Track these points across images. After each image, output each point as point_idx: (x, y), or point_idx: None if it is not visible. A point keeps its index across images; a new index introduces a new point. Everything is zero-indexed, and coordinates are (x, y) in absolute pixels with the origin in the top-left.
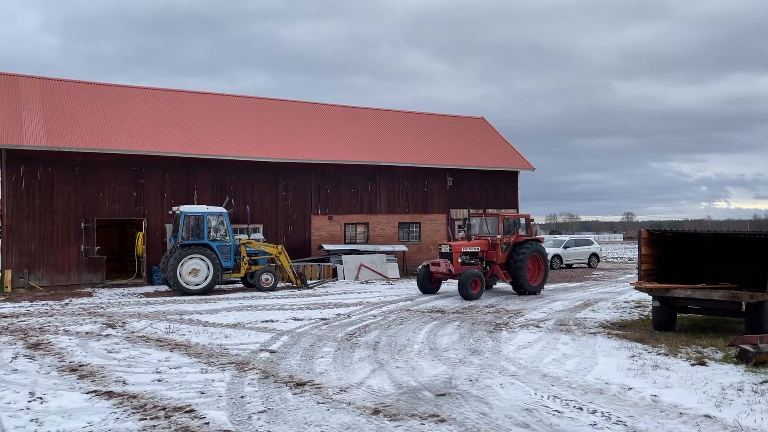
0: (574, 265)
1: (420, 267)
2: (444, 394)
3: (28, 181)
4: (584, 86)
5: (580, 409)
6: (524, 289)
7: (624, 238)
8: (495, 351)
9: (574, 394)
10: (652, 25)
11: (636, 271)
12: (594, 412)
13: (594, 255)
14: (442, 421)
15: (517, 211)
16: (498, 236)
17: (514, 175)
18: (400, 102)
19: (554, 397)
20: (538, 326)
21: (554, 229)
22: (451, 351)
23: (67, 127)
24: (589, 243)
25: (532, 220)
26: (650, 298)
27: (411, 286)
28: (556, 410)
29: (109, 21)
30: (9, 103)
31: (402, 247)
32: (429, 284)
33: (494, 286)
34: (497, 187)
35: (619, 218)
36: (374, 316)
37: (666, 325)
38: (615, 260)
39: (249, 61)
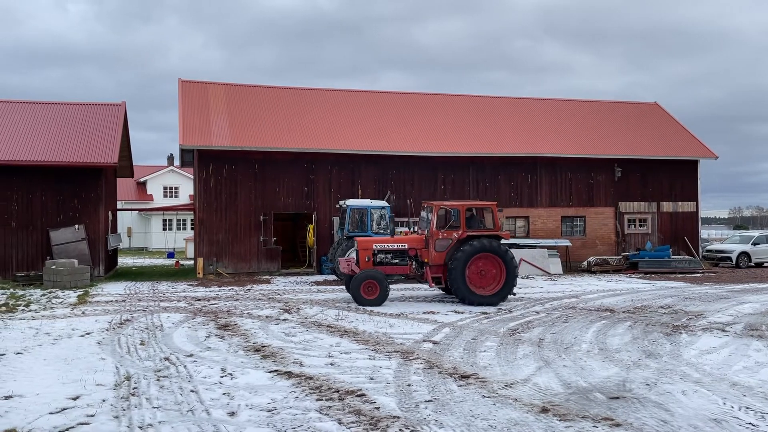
0: (765, 264)
1: None
2: (618, 397)
3: (216, 178)
4: (747, 67)
5: None
6: (464, 298)
7: None
8: (674, 355)
9: None
10: None
11: None
12: None
13: None
14: (617, 425)
15: (697, 205)
16: (425, 231)
17: (692, 164)
18: (541, 94)
19: (747, 408)
20: (723, 330)
21: (739, 223)
22: (624, 352)
23: (248, 128)
24: None
25: (500, 210)
26: None
27: (575, 282)
28: (750, 423)
29: (260, 35)
30: (200, 108)
31: (565, 242)
32: None
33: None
34: (673, 178)
35: None
36: (536, 313)
37: None
38: None
39: (386, 62)
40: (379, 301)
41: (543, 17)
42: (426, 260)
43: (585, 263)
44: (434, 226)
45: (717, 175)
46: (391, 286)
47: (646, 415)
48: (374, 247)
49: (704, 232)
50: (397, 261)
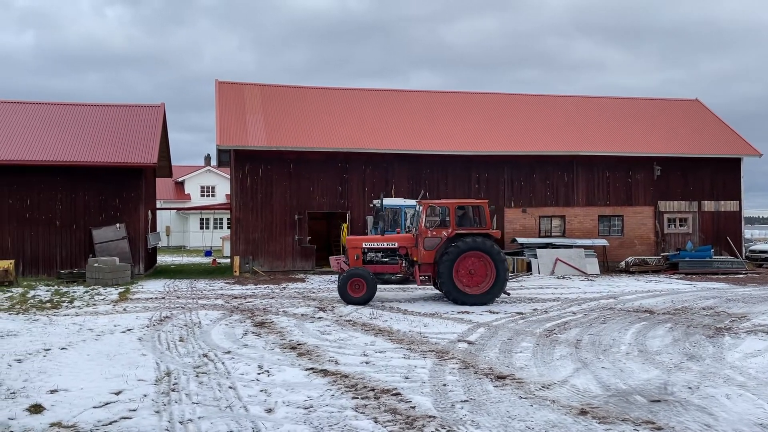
0: None
1: None
2: (659, 401)
3: (252, 178)
4: None
5: None
6: (454, 298)
7: None
8: (717, 358)
9: None
10: None
11: None
12: None
13: None
14: (659, 429)
15: (740, 204)
16: (412, 229)
17: (735, 162)
18: (575, 92)
19: None
20: None
21: None
22: (664, 355)
23: (283, 128)
24: None
25: (492, 208)
26: None
27: (613, 282)
28: None
29: (291, 36)
30: (236, 108)
31: (602, 242)
32: None
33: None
34: (715, 176)
35: None
36: (573, 313)
37: None
38: None
39: (417, 62)
40: (366, 299)
41: (575, 14)
42: (416, 259)
43: (623, 263)
44: (423, 224)
45: (761, 174)
46: (428, 286)
47: (689, 419)
48: (363, 245)
49: (747, 232)
50: (387, 260)
